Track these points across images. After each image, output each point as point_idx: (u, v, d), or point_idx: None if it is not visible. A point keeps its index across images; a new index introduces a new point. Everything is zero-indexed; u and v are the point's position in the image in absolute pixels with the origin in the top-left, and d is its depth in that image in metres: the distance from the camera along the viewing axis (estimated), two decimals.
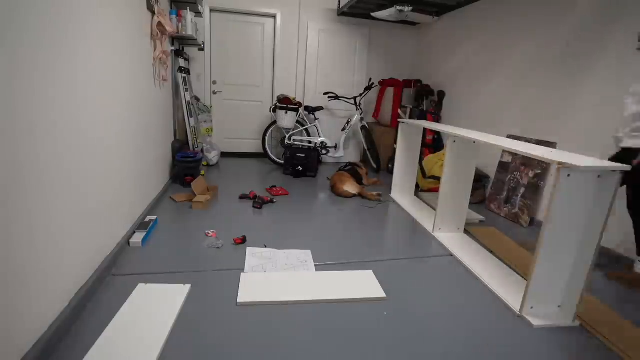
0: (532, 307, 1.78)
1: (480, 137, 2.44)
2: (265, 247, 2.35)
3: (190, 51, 4.57)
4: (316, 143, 4.72)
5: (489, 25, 3.87)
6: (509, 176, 3.42)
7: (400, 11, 3.95)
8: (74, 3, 1.55)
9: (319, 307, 1.75)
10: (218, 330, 1.54)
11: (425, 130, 3.89)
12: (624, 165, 1.59)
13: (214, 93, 4.95)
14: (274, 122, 4.70)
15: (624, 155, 2.21)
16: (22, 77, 1.20)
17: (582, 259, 1.71)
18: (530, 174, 3.20)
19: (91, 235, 1.75)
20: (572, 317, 1.74)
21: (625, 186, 2.31)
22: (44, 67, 1.32)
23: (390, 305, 1.81)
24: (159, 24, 2.87)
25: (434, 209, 2.98)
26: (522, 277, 2.15)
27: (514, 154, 3.40)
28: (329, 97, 4.77)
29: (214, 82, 4.92)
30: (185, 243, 2.34)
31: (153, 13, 2.81)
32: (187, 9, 3.56)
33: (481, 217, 3.18)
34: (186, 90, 3.94)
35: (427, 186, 3.98)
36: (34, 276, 1.28)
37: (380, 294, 1.88)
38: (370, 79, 4.85)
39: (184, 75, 3.96)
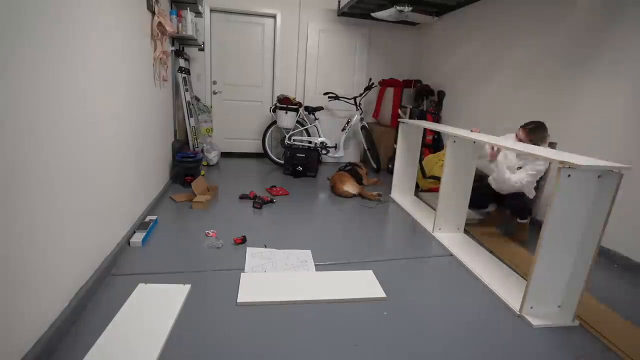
0: (532, 307, 1.78)
1: (480, 137, 2.44)
2: (265, 247, 2.35)
3: (190, 51, 4.57)
4: (316, 143, 4.72)
5: (489, 25, 3.87)
6: None
7: (400, 11, 3.95)
8: (74, 3, 1.55)
9: (319, 307, 1.75)
10: (218, 330, 1.54)
11: (425, 130, 3.89)
12: (624, 165, 1.59)
13: (214, 93, 4.95)
14: (274, 122, 4.70)
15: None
16: (22, 77, 1.20)
17: (582, 259, 1.71)
18: None
19: (91, 235, 1.75)
20: (572, 317, 1.74)
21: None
22: (44, 67, 1.32)
23: (390, 305, 1.81)
24: (159, 24, 2.87)
25: (434, 209, 2.98)
26: (522, 277, 2.15)
27: None
28: (329, 97, 4.77)
29: (214, 82, 4.92)
30: (185, 243, 2.34)
31: (153, 13, 2.81)
32: (187, 9, 3.56)
33: (480, 216, 3.18)
34: (186, 90, 3.94)
35: (427, 186, 3.98)
36: (34, 276, 1.28)
37: (380, 294, 1.88)
38: (370, 79, 4.85)
39: (184, 75, 3.96)
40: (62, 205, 1.47)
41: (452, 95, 4.55)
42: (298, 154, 4.36)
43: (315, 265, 2.17)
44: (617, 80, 2.55)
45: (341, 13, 4.85)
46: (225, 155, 5.04)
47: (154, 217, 2.57)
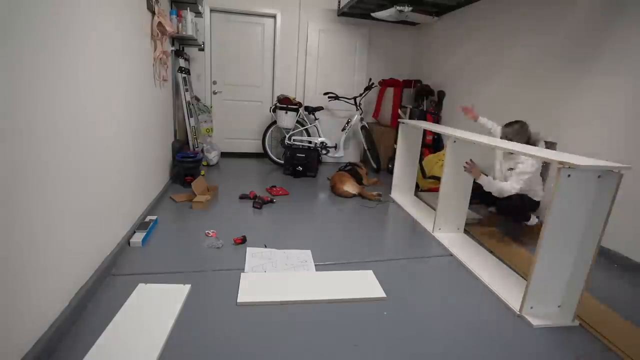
0: (532, 307, 1.78)
1: (480, 137, 2.44)
2: (265, 247, 2.35)
3: (190, 51, 4.57)
4: (316, 143, 4.72)
5: (489, 25, 3.87)
6: None
7: (400, 11, 3.95)
8: (74, 4, 1.55)
9: (319, 307, 1.75)
10: (218, 330, 1.54)
11: (425, 130, 3.90)
12: (624, 165, 1.59)
13: (214, 93, 4.95)
14: (274, 122, 4.70)
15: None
16: (23, 77, 1.20)
17: (582, 259, 1.71)
18: None
19: (91, 235, 1.75)
20: (572, 317, 1.74)
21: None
22: (44, 67, 1.32)
23: (390, 305, 1.81)
24: (159, 24, 2.87)
25: (434, 209, 2.98)
26: (522, 277, 2.15)
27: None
28: (329, 97, 4.77)
29: (214, 82, 4.92)
30: (185, 243, 2.34)
31: (153, 13, 2.81)
32: (187, 9, 3.57)
33: (479, 216, 3.18)
34: (186, 90, 3.94)
35: (427, 186, 3.98)
36: (35, 276, 1.28)
37: (380, 294, 1.88)
38: (370, 79, 4.85)
39: (184, 75, 3.96)
40: (63, 205, 1.47)
41: (452, 95, 4.55)
42: (298, 154, 4.36)
43: (315, 265, 2.17)
44: (617, 79, 2.55)
45: (341, 13, 4.85)
46: (225, 155, 5.04)
47: (154, 217, 2.57)
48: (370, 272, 2.09)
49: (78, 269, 1.62)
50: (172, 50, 3.75)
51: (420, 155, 3.75)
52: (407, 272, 2.17)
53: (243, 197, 3.28)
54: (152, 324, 1.52)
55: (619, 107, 2.53)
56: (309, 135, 4.85)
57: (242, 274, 1.97)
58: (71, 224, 1.54)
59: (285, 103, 4.47)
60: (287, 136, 4.64)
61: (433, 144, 4.66)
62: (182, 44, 4.27)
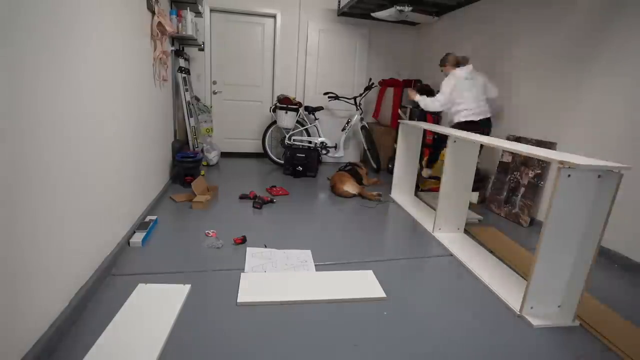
0: (532, 307, 1.78)
1: (480, 137, 2.44)
2: (265, 247, 2.35)
3: (190, 51, 4.57)
4: (316, 143, 4.72)
5: (489, 25, 3.87)
6: (509, 176, 3.42)
7: (400, 11, 3.95)
8: (75, 4, 1.55)
9: (319, 307, 1.75)
10: (218, 330, 1.54)
11: (425, 130, 3.90)
12: (624, 165, 1.59)
13: (214, 93, 4.95)
14: (274, 122, 4.70)
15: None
16: (24, 77, 1.20)
17: (582, 259, 1.71)
18: (530, 174, 3.20)
19: (91, 235, 1.75)
20: (572, 317, 1.74)
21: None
22: (46, 67, 1.32)
23: (390, 305, 1.81)
24: (159, 24, 2.87)
25: (434, 209, 2.98)
26: (522, 277, 2.15)
27: (514, 154, 3.40)
28: (329, 97, 4.77)
29: (214, 82, 4.92)
30: (185, 243, 2.34)
31: (153, 13, 2.81)
32: (187, 9, 3.56)
33: (479, 216, 3.18)
34: (186, 90, 3.95)
35: (427, 186, 3.98)
36: (35, 276, 1.28)
37: (380, 294, 1.88)
38: (370, 79, 4.85)
39: (184, 75, 3.96)
40: (63, 205, 1.47)
41: None
42: (298, 154, 4.36)
43: (315, 265, 2.17)
44: (616, 80, 2.55)
45: (341, 13, 4.85)
46: (225, 155, 5.04)
47: (153, 217, 2.57)
48: (370, 272, 2.09)
49: (78, 269, 1.62)
50: (172, 50, 3.75)
51: (421, 155, 3.75)
52: (407, 272, 2.17)
53: (243, 197, 3.28)
54: (152, 324, 1.52)
55: (619, 108, 2.53)
56: (309, 135, 4.85)
57: (242, 274, 1.97)
58: (71, 224, 1.54)
59: (285, 103, 4.47)
60: (287, 136, 4.64)
61: (433, 143, 4.65)
62: (182, 44, 4.27)
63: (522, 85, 3.40)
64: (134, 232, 2.31)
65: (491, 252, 2.50)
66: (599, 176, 1.64)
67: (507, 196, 3.37)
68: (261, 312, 1.68)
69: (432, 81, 4.90)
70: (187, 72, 4.11)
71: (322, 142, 4.74)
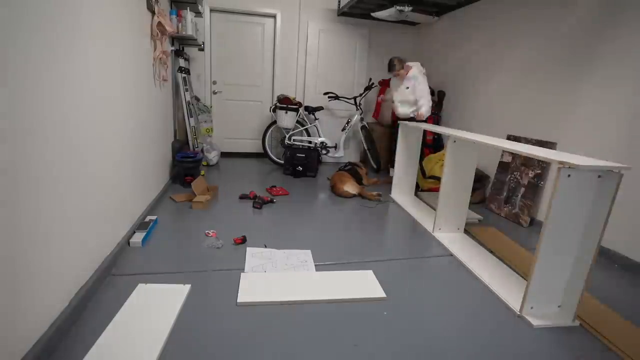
0: (532, 307, 1.78)
1: (480, 137, 2.44)
2: (265, 247, 2.35)
3: (190, 51, 4.57)
4: (316, 143, 4.72)
5: (489, 25, 3.87)
6: (509, 176, 3.42)
7: (400, 11, 3.95)
8: (76, 4, 1.55)
9: (319, 307, 1.75)
10: (218, 330, 1.54)
11: (425, 130, 3.90)
12: (624, 165, 1.59)
13: (214, 93, 4.95)
14: (274, 122, 4.70)
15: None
16: (26, 77, 1.20)
17: (582, 259, 1.71)
18: (530, 174, 3.20)
19: (91, 235, 1.75)
20: (572, 317, 1.74)
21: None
22: (47, 68, 1.32)
23: (390, 305, 1.81)
24: (159, 24, 2.87)
25: (434, 209, 2.98)
26: (522, 277, 2.15)
27: (514, 154, 3.40)
28: (329, 97, 4.77)
29: (214, 82, 4.92)
30: (185, 243, 2.34)
31: (153, 13, 2.81)
32: (187, 9, 3.57)
33: (479, 217, 3.18)
34: (186, 90, 3.95)
35: (427, 186, 3.98)
36: (35, 276, 1.27)
37: (380, 294, 1.88)
38: (370, 79, 4.85)
39: (184, 75, 3.96)
40: (64, 205, 1.46)
41: (452, 95, 4.55)
42: (298, 154, 4.36)
43: (315, 265, 2.17)
44: (616, 80, 2.55)
45: (341, 13, 4.85)
46: (225, 155, 5.04)
47: (153, 217, 2.57)
48: (370, 272, 2.09)
49: (78, 269, 1.62)
50: (172, 50, 3.75)
51: (421, 155, 3.75)
52: (407, 272, 2.17)
53: (243, 197, 3.28)
54: (152, 324, 1.52)
55: (619, 107, 2.53)
56: (309, 135, 4.85)
57: (242, 274, 1.97)
58: (72, 224, 1.54)
59: (285, 103, 4.47)
60: (287, 136, 4.64)
61: (433, 143, 4.66)
62: (182, 44, 4.27)
63: (522, 85, 3.40)
64: (134, 232, 2.31)
65: (491, 252, 2.50)
66: (599, 176, 1.64)
67: (507, 196, 3.37)
68: (261, 312, 1.68)
69: (432, 81, 4.91)
70: (187, 72, 4.11)
71: (322, 142, 4.74)
